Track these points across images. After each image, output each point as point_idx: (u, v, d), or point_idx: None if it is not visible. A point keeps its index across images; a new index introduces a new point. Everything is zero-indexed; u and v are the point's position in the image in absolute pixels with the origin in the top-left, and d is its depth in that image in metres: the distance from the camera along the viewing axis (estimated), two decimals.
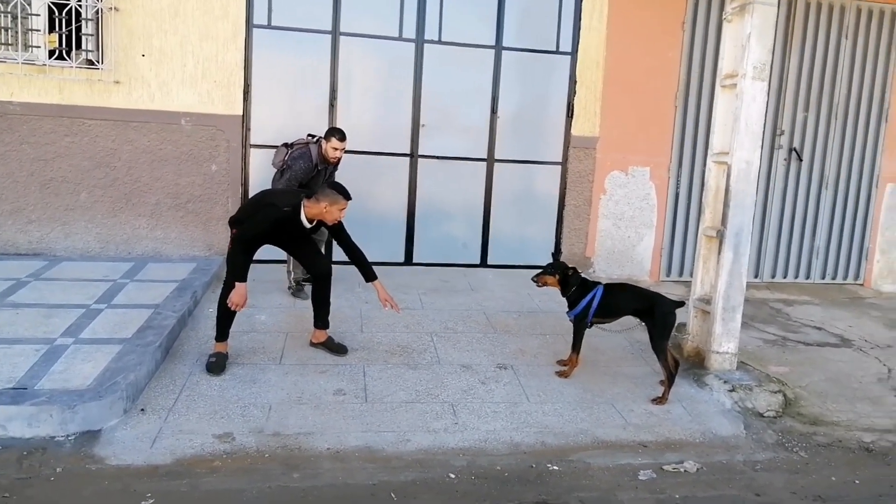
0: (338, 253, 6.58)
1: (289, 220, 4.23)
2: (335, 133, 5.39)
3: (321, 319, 4.60)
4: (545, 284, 4.54)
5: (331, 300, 4.63)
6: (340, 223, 4.37)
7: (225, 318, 4.26)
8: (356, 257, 4.47)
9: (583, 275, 4.59)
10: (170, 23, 6.03)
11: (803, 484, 3.52)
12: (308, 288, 5.62)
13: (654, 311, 4.25)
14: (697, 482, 3.46)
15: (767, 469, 3.65)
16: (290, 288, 5.63)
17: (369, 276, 4.47)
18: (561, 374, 4.51)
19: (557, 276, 4.48)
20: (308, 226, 4.30)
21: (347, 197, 4.25)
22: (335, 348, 4.58)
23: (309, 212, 4.23)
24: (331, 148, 5.37)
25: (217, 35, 6.12)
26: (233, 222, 4.35)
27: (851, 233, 7.64)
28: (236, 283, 4.08)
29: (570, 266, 4.53)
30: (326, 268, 4.55)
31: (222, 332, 4.30)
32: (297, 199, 4.25)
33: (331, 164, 5.54)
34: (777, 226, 7.47)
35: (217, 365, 4.18)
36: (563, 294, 4.50)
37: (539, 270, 4.56)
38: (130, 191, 6.13)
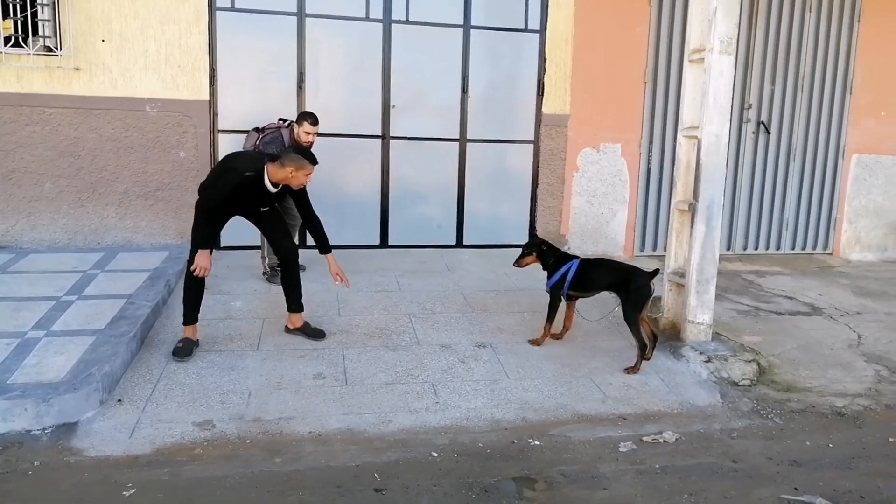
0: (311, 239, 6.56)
1: (252, 184, 4.12)
2: (307, 117, 5.33)
3: (294, 303, 4.55)
4: (527, 264, 4.67)
5: (302, 284, 4.58)
6: (304, 189, 4.31)
7: (191, 297, 4.19)
8: (314, 227, 4.42)
9: (563, 249, 4.66)
10: (129, 6, 5.88)
11: (779, 449, 3.59)
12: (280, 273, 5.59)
13: (629, 283, 4.33)
14: (676, 452, 3.52)
15: (744, 436, 3.72)
16: (264, 273, 5.57)
17: (324, 248, 4.43)
18: (533, 342, 4.64)
19: (535, 254, 4.61)
20: (273, 190, 4.21)
21: (313, 161, 4.18)
22: (312, 333, 4.55)
23: (273, 176, 4.13)
24: (303, 132, 5.31)
25: (179, 18, 6.00)
26: (201, 188, 4.26)
27: (819, 203, 7.78)
28: (199, 251, 4.02)
29: (544, 241, 4.64)
30: (293, 251, 4.51)
31: (190, 315, 4.22)
32: (260, 163, 4.15)
33: (303, 149, 5.47)
34: (747, 198, 7.57)
35: (183, 350, 4.12)
36: (544, 268, 4.61)
37: (517, 255, 4.69)
38: (96, 180, 6.01)
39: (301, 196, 4.35)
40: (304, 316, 4.60)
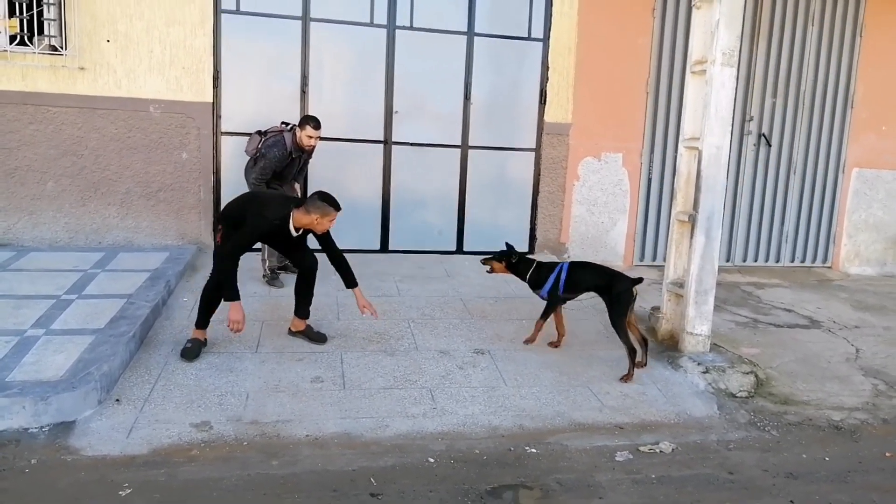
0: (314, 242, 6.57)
1: (278, 230, 4.22)
2: (310, 121, 5.35)
3: (302, 309, 4.58)
4: (493, 270, 4.77)
5: (314, 293, 4.60)
6: (328, 231, 4.36)
7: (209, 304, 4.24)
8: (339, 263, 4.45)
9: (536, 258, 4.77)
10: (135, 7, 5.90)
11: (775, 462, 3.59)
12: (283, 276, 5.61)
13: (611, 289, 4.41)
14: (673, 462, 3.52)
15: (740, 448, 3.73)
16: (264, 276, 5.58)
17: (350, 282, 4.46)
18: (527, 341, 4.74)
19: (503, 263, 4.70)
20: (295, 234, 4.29)
21: (337, 208, 4.22)
22: (314, 337, 4.56)
23: (298, 222, 4.20)
24: (305, 136, 5.33)
25: (184, 20, 6.02)
26: (220, 219, 4.34)
27: (819, 217, 7.79)
28: (231, 303, 4.04)
29: (515, 253, 4.72)
30: (313, 262, 4.53)
31: (204, 320, 4.27)
32: (286, 209, 4.20)
33: (305, 152, 5.50)
34: (747, 210, 7.59)
35: (192, 351, 4.15)
36: (522, 279, 4.69)
37: (487, 256, 4.80)
38: (99, 179, 6.02)
39: (325, 238, 4.40)
40: (307, 321, 4.61)
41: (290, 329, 4.62)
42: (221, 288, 4.11)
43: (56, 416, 3.34)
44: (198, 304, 4.32)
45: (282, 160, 5.30)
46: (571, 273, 4.56)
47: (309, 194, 4.41)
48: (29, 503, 2.82)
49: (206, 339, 4.31)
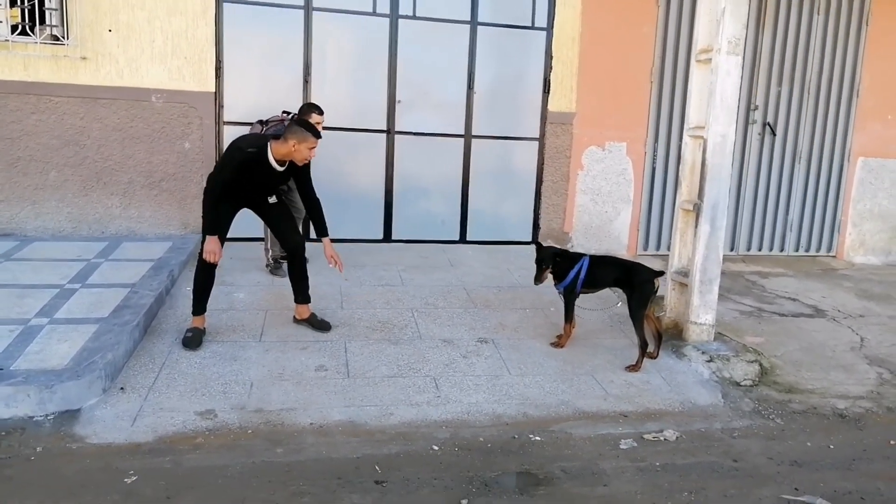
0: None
1: (256, 162, 4.09)
2: (313, 108, 5.30)
3: (301, 294, 4.56)
4: (545, 280, 4.56)
5: (308, 276, 4.59)
6: (307, 167, 4.28)
7: (201, 289, 4.23)
8: (314, 209, 4.41)
9: (561, 248, 4.65)
10: None
11: (780, 450, 3.59)
12: (286, 266, 5.59)
13: (633, 280, 4.35)
14: (677, 450, 3.52)
15: (745, 436, 3.72)
16: (267, 265, 5.58)
17: (322, 231, 4.42)
18: (556, 345, 4.59)
19: (551, 267, 4.52)
20: (279, 168, 4.17)
21: (316, 134, 4.12)
22: (318, 324, 4.56)
23: (277, 152, 4.10)
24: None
25: (186, 10, 5.99)
26: (210, 178, 4.26)
27: (824, 206, 7.77)
28: (208, 237, 4.03)
29: (557, 251, 4.57)
30: (300, 245, 4.49)
31: (199, 305, 4.26)
32: (263, 140, 4.14)
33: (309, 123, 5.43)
34: (752, 199, 7.57)
35: (193, 340, 4.15)
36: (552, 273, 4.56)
37: (534, 274, 4.55)
38: (101, 169, 6.01)
39: (303, 174, 4.32)
40: (310, 307, 4.61)
41: (294, 317, 4.62)
42: (205, 224, 4.09)
43: (61, 405, 3.35)
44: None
45: None
46: (591, 269, 4.46)
47: (309, 170, 4.35)
48: (34, 491, 2.82)
49: (205, 328, 4.30)
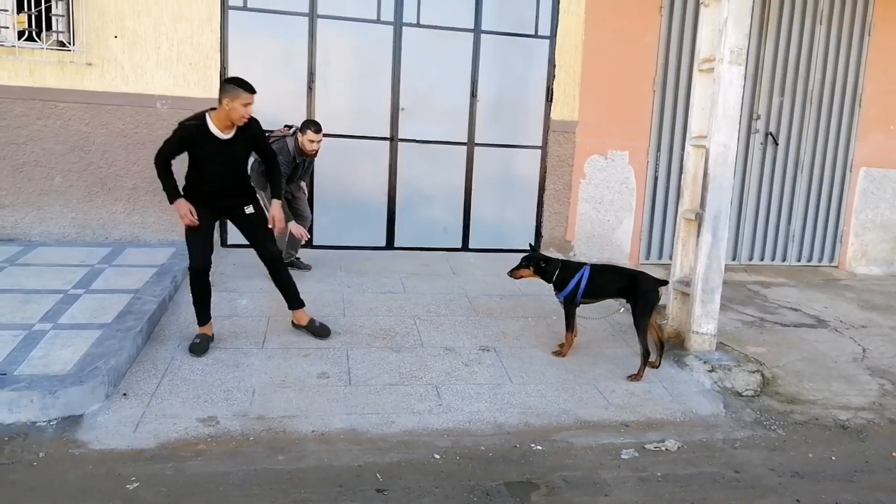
0: (324, 238, 6.58)
1: (197, 132, 4.00)
2: (311, 125, 5.38)
3: (292, 300, 4.54)
4: (521, 277, 4.63)
5: (294, 281, 4.55)
6: (262, 136, 4.20)
7: (199, 298, 4.21)
8: (270, 169, 4.37)
9: (563, 258, 4.65)
10: (142, 4, 5.92)
11: (781, 461, 3.59)
12: (290, 272, 5.60)
13: (637, 289, 4.35)
14: (678, 460, 3.52)
15: (746, 447, 3.72)
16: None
17: (275, 193, 4.37)
18: (557, 354, 4.59)
19: (532, 269, 4.57)
20: (223, 136, 4.03)
21: (248, 89, 3.95)
22: (317, 331, 4.56)
23: (216, 118, 3.99)
24: (307, 141, 5.37)
25: (192, 17, 6.03)
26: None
27: (826, 216, 7.77)
28: (176, 202, 4.04)
29: (543, 256, 4.61)
30: (277, 256, 4.47)
31: (202, 315, 4.26)
32: (202, 112, 4.07)
33: (308, 157, 5.53)
34: (754, 209, 7.57)
35: (200, 347, 4.16)
36: (548, 281, 4.57)
37: (513, 266, 4.63)
38: (106, 175, 6.04)
39: (263, 145, 4.26)
40: (309, 313, 4.61)
41: (293, 323, 4.63)
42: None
43: (64, 410, 3.36)
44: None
45: (287, 165, 5.33)
46: (592, 279, 4.46)
47: (260, 129, 4.23)
48: (37, 496, 2.83)
49: (212, 335, 4.33)
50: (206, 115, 4.04)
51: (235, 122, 4.03)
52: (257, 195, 4.48)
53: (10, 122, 5.81)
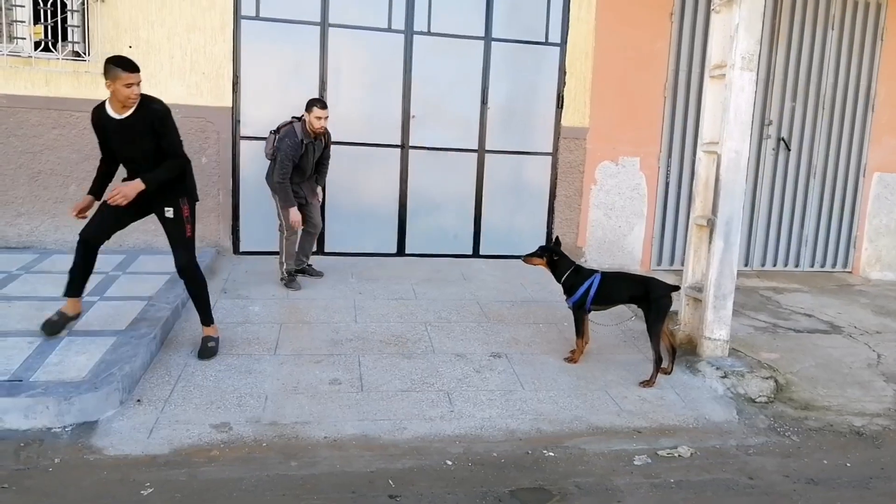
0: (335, 244, 6.60)
1: (99, 115, 3.94)
2: (315, 103, 5.39)
3: (201, 315, 4.32)
4: (533, 264, 4.68)
5: (207, 297, 4.33)
6: (161, 123, 3.94)
7: (75, 269, 4.13)
8: (163, 163, 4.02)
9: (580, 262, 4.66)
10: (156, 14, 5.99)
11: (795, 467, 3.56)
12: (301, 279, 5.65)
13: (649, 295, 4.34)
14: (691, 467, 3.50)
15: (760, 453, 3.70)
16: (282, 279, 5.62)
17: (144, 178, 3.94)
18: (569, 360, 4.59)
19: (545, 258, 4.60)
20: (116, 116, 3.88)
21: (127, 67, 3.77)
22: (200, 351, 4.26)
23: (110, 101, 3.89)
24: (314, 118, 5.34)
25: (205, 26, 6.09)
26: None
27: (839, 221, 7.72)
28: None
29: (559, 251, 4.61)
30: (188, 267, 4.20)
31: (71, 287, 4.15)
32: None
33: (318, 137, 5.49)
34: (766, 215, 7.54)
35: (56, 325, 4.06)
36: (557, 279, 4.58)
37: (530, 252, 4.70)
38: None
39: (162, 133, 3.97)
40: (322, 320, 4.61)
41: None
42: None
43: (79, 416, 3.38)
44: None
45: (295, 148, 5.32)
46: (603, 286, 4.45)
47: (159, 116, 3.98)
48: (52, 502, 2.85)
49: (77, 314, 4.20)
50: (107, 99, 3.95)
51: (123, 104, 3.87)
52: (179, 201, 4.17)
53: (26, 132, 5.88)
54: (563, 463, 3.44)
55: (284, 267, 5.60)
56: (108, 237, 4.18)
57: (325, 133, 5.60)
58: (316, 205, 5.80)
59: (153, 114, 3.96)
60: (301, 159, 5.41)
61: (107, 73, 3.80)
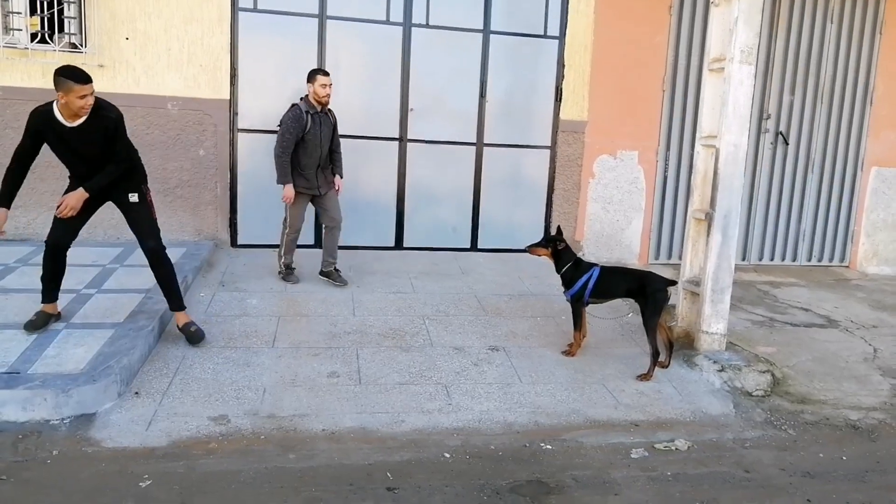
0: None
1: (45, 119, 3.85)
2: (318, 71, 5.30)
3: (170, 300, 4.29)
4: (536, 254, 4.69)
5: (174, 280, 4.31)
6: (115, 131, 3.91)
7: (49, 274, 4.13)
8: (106, 168, 3.98)
9: (579, 255, 4.68)
10: (153, 5, 5.96)
11: (792, 461, 3.58)
12: (298, 272, 5.63)
13: (645, 289, 4.35)
14: (688, 460, 3.51)
15: (757, 447, 3.71)
16: (280, 272, 5.61)
17: (86, 186, 3.96)
18: (566, 354, 4.60)
19: (549, 249, 4.60)
20: (68, 124, 3.83)
21: (78, 79, 3.70)
22: (190, 335, 4.29)
23: (61, 107, 3.81)
24: (318, 87, 5.23)
25: (202, 18, 6.06)
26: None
27: (837, 216, 7.73)
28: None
29: (563, 242, 4.61)
30: (156, 252, 4.20)
31: (48, 293, 4.14)
32: (50, 101, 3.88)
33: (323, 109, 5.34)
34: (764, 209, 7.55)
35: (35, 323, 4.02)
36: (557, 271, 4.58)
37: (534, 242, 4.72)
38: None
39: (114, 139, 3.94)
40: (319, 313, 4.62)
41: (177, 325, 4.37)
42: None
43: (77, 409, 3.39)
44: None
45: (297, 119, 5.17)
46: (601, 280, 4.47)
47: (115, 128, 3.96)
48: (50, 494, 2.86)
49: (58, 314, 4.20)
50: (54, 103, 3.87)
51: (77, 113, 3.82)
52: (141, 186, 4.21)
53: (22, 124, 5.73)
54: (560, 456, 3.45)
55: (283, 260, 5.59)
56: (76, 236, 4.19)
57: (331, 112, 5.45)
58: (333, 195, 5.55)
59: (107, 122, 3.92)
60: (307, 134, 5.22)
61: (58, 85, 3.72)
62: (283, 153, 5.21)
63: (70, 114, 3.82)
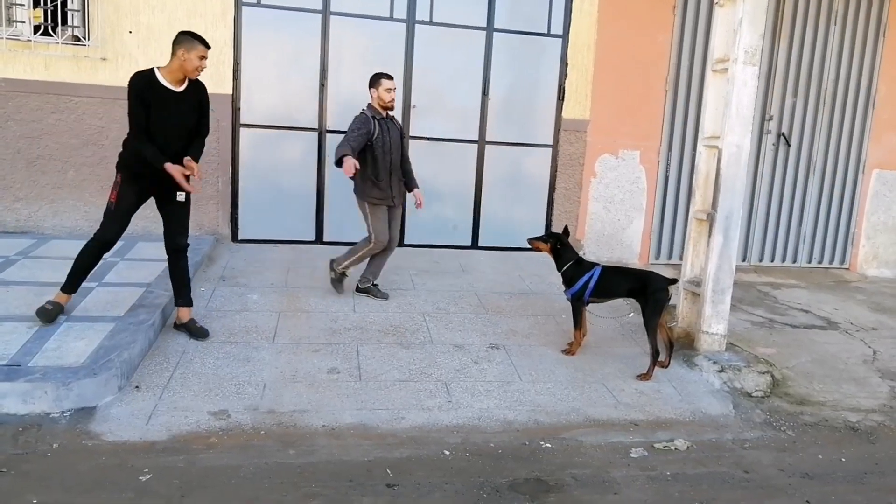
0: (333, 234, 6.58)
1: (148, 84, 3.86)
2: (381, 75, 5.09)
3: (181, 296, 4.33)
4: (536, 248, 4.72)
5: (190, 280, 4.40)
6: (207, 102, 4.04)
7: (86, 269, 4.14)
8: (196, 141, 4.12)
9: (580, 254, 4.68)
10: None
11: (791, 462, 3.58)
12: (345, 281, 5.34)
13: (647, 289, 4.35)
14: (688, 460, 3.52)
15: (756, 447, 3.72)
16: (332, 276, 5.28)
17: (192, 154, 4.08)
18: (567, 353, 4.60)
19: (549, 245, 4.61)
20: (174, 88, 3.91)
21: (206, 44, 3.89)
22: (196, 331, 4.30)
23: (169, 72, 3.88)
24: (384, 91, 5.04)
25: (205, 12, 6.05)
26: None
27: (838, 218, 7.74)
28: (165, 165, 3.88)
29: (564, 240, 4.61)
30: (182, 246, 4.27)
31: (73, 283, 4.16)
32: (151, 66, 3.96)
33: (389, 111, 5.13)
34: (765, 210, 7.55)
35: (51, 313, 4.02)
36: (558, 269, 4.59)
37: (536, 236, 4.77)
38: None
39: (202, 100, 4.06)
40: (319, 308, 4.61)
41: (175, 323, 4.41)
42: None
43: (77, 402, 3.39)
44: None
45: (364, 122, 4.97)
46: (602, 279, 4.47)
47: (205, 94, 4.14)
48: (50, 486, 2.86)
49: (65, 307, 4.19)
50: (154, 68, 3.92)
51: (189, 75, 3.91)
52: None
53: (24, 116, 5.85)
54: (560, 454, 3.45)
55: (341, 267, 5.22)
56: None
57: (395, 119, 5.27)
58: (399, 215, 5.39)
59: (202, 89, 4.06)
60: (375, 141, 4.99)
61: (181, 42, 3.86)
62: (346, 145, 4.86)
63: (176, 79, 3.90)
